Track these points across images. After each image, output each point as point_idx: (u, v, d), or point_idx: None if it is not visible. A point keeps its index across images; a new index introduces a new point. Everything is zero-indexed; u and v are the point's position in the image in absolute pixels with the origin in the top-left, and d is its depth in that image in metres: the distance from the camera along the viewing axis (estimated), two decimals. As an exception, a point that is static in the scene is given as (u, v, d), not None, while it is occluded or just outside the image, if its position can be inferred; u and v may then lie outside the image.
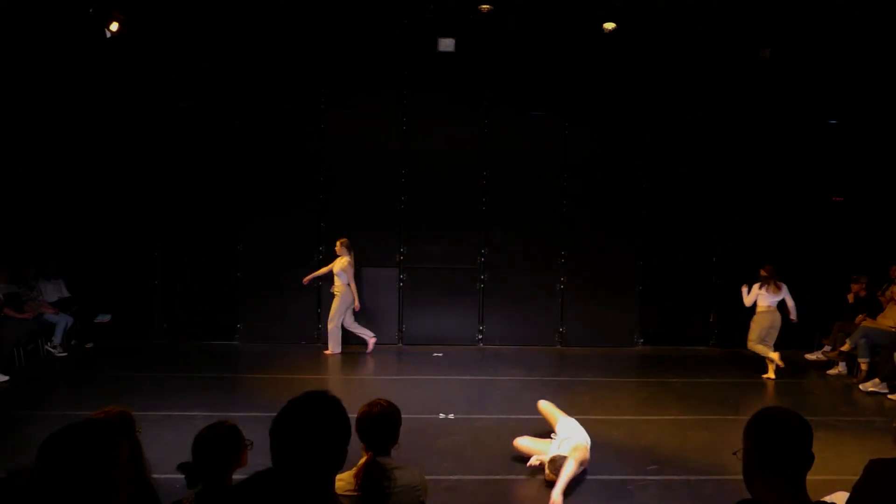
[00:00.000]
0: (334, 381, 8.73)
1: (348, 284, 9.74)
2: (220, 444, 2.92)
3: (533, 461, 5.76)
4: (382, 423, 3.03)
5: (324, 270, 9.95)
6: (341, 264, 9.73)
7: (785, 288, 9.11)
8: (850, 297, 9.78)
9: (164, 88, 10.28)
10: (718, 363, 10.02)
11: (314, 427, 2.08)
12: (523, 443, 5.99)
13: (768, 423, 2.11)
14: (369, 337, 10.04)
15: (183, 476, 2.90)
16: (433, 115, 10.59)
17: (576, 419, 5.96)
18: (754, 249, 10.75)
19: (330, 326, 9.83)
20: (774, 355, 9.00)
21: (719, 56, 10.19)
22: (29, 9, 8.07)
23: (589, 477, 5.70)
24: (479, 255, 10.68)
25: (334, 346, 9.82)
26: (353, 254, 9.79)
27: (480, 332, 10.73)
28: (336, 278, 9.78)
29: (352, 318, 10.00)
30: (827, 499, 2.28)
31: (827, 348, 9.76)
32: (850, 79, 10.39)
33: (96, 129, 10.30)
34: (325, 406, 2.14)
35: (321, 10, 9.19)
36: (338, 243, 9.79)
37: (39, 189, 10.06)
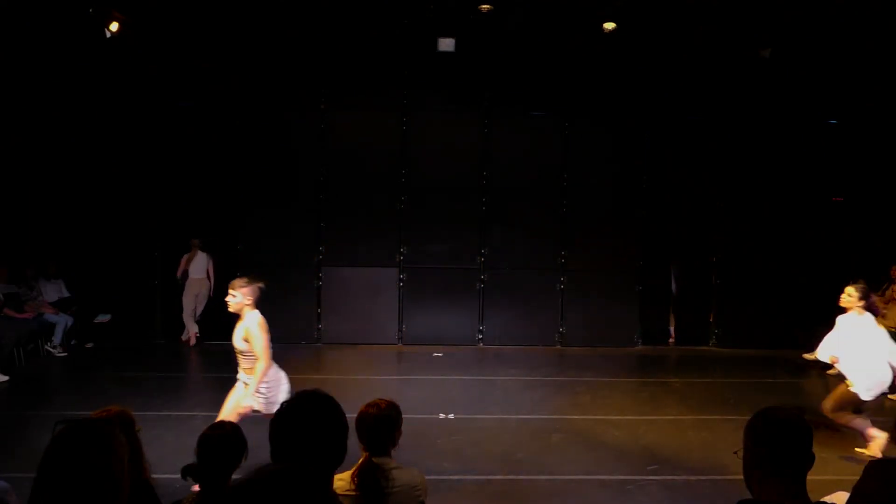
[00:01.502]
0: (334, 381, 8.71)
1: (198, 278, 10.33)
2: (226, 444, 2.91)
3: None
4: (381, 423, 3.03)
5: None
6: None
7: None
8: None
9: (164, 88, 10.28)
10: (718, 363, 10.01)
11: (309, 426, 2.09)
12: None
13: (768, 423, 2.11)
14: (192, 332, 10.38)
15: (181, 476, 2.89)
16: (433, 115, 10.59)
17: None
18: (754, 249, 10.76)
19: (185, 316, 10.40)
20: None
21: (719, 56, 10.17)
22: (29, 9, 8.06)
23: (589, 477, 5.70)
24: (479, 255, 10.67)
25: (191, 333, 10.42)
26: (195, 251, 10.28)
27: (480, 332, 10.72)
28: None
29: (192, 309, 10.38)
30: (827, 499, 2.28)
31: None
32: (850, 79, 10.38)
33: (96, 129, 10.30)
34: (317, 404, 2.16)
35: (321, 11, 9.18)
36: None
37: (39, 189, 10.06)
